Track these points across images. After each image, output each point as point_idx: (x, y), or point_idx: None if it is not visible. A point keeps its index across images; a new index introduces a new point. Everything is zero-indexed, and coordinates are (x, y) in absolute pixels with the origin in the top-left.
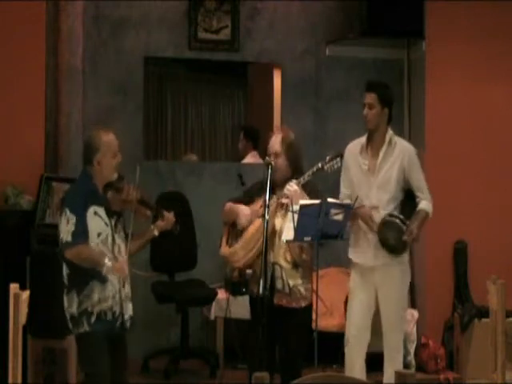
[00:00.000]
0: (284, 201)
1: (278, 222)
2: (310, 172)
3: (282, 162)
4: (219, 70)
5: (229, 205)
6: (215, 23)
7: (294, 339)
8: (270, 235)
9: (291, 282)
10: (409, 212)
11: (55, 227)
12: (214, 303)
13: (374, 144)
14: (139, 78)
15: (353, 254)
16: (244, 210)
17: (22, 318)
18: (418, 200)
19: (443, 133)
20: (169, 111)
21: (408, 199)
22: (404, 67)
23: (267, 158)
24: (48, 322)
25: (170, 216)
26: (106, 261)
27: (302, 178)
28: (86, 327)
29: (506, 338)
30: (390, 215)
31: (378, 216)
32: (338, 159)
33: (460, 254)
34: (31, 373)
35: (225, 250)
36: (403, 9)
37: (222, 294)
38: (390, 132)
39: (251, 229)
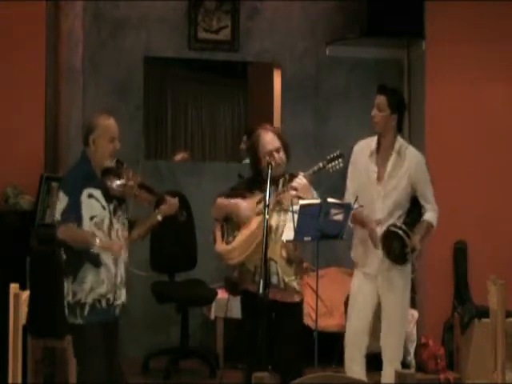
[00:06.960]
0: (292, 193)
1: (274, 218)
2: (310, 171)
3: (282, 155)
4: (219, 69)
5: (222, 200)
6: (215, 23)
7: (291, 336)
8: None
9: (286, 278)
10: (414, 220)
11: (55, 227)
12: (214, 303)
13: (382, 152)
14: (139, 78)
15: (358, 260)
16: (243, 203)
17: (22, 318)
18: (423, 210)
19: (443, 133)
20: (169, 111)
21: (414, 206)
22: (404, 67)
23: (267, 157)
24: (48, 322)
25: (173, 200)
26: (96, 238)
27: (307, 174)
28: (79, 320)
29: (506, 337)
30: (394, 225)
31: (381, 227)
32: (340, 160)
33: (460, 253)
34: (31, 373)
35: (221, 247)
36: (403, 9)
37: (221, 294)
38: (400, 140)
39: (249, 227)
